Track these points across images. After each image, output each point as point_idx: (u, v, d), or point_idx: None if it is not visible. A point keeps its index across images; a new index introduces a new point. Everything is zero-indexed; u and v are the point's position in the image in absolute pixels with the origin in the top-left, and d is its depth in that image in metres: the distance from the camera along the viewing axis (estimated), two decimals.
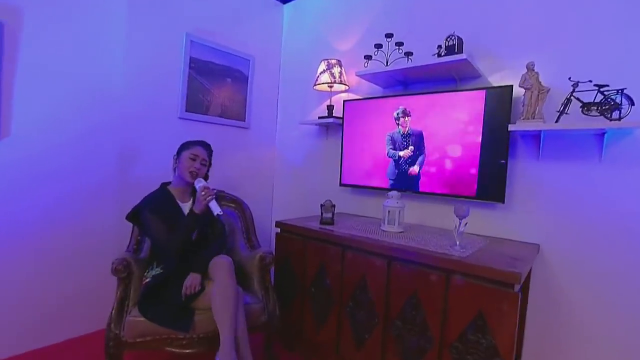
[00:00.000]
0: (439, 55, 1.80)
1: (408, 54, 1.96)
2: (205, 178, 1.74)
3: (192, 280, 1.51)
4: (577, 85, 1.37)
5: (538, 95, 1.45)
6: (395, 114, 2.02)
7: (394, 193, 1.79)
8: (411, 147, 1.97)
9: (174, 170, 1.71)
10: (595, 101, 1.34)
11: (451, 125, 1.83)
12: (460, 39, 1.74)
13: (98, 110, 1.97)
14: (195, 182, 1.61)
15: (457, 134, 1.82)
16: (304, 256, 1.86)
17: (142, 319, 1.47)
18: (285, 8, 2.90)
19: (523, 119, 1.52)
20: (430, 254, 1.41)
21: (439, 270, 1.38)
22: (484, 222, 1.80)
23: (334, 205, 1.94)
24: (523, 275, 1.21)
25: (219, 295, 1.44)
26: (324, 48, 2.56)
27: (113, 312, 1.51)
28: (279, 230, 2.01)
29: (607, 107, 1.30)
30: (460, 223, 1.48)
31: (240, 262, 1.83)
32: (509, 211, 1.75)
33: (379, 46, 2.04)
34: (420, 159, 1.95)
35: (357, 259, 1.63)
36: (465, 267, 1.31)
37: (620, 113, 1.30)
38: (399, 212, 1.76)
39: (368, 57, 2.07)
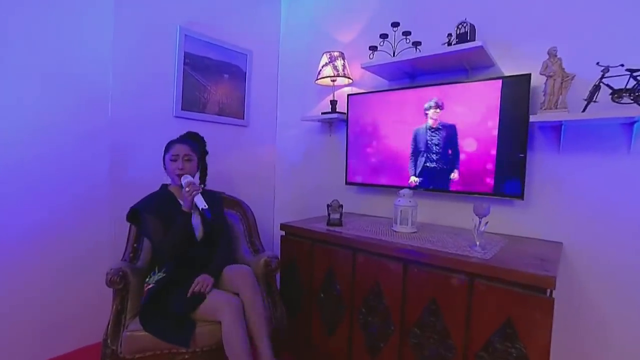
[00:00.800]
0: (450, 43, 1.70)
1: (416, 43, 1.85)
2: (203, 170, 1.75)
3: (204, 278, 1.45)
4: (608, 70, 1.27)
5: (562, 83, 1.35)
6: (426, 105, 1.84)
7: (405, 191, 1.68)
8: (439, 143, 1.82)
9: (166, 173, 1.67)
10: (627, 87, 1.23)
11: (466, 118, 1.73)
12: (472, 26, 1.64)
13: (87, 112, 1.85)
14: (182, 179, 1.56)
15: (472, 127, 1.71)
16: (312, 260, 1.75)
17: (142, 333, 1.36)
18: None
19: (545, 109, 1.41)
20: (449, 256, 1.31)
21: (459, 273, 1.28)
22: (502, 219, 1.70)
23: (341, 205, 1.84)
24: (556, 279, 1.11)
25: (252, 312, 1.40)
26: (324, 40, 2.44)
27: (109, 326, 1.40)
28: (283, 233, 1.91)
29: None
30: (480, 222, 1.39)
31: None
32: (528, 208, 1.65)
33: (384, 36, 1.93)
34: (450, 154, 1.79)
35: (369, 262, 1.53)
36: (489, 270, 1.21)
37: None
38: (412, 212, 1.66)
39: (373, 48, 1.96)
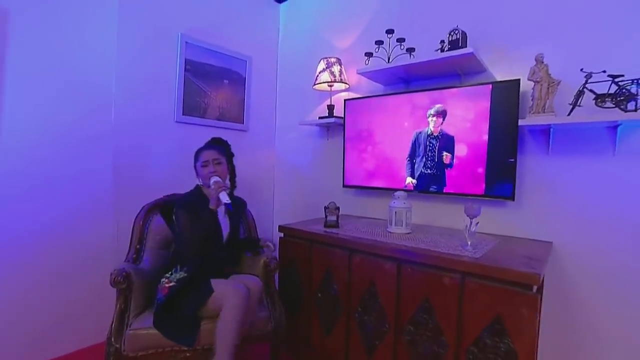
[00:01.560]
0: (442, 50, 1.76)
1: (410, 50, 1.91)
2: (232, 171, 1.81)
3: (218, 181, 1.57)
4: (591, 76, 1.32)
5: (548, 88, 1.40)
6: (428, 113, 1.89)
7: (400, 193, 1.73)
8: (435, 147, 1.87)
9: (199, 180, 1.72)
10: (610, 92, 1.29)
11: (459, 122, 1.78)
12: (464, 33, 1.69)
13: (91, 117, 1.91)
14: (210, 180, 1.60)
15: (464, 131, 1.76)
16: (309, 261, 1.80)
17: (145, 331, 1.41)
18: (281, 7, 2.84)
19: (533, 113, 1.47)
20: (441, 255, 1.36)
21: (451, 272, 1.33)
22: (494, 220, 1.75)
23: (338, 208, 1.88)
24: (542, 276, 1.16)
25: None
26: (322, 46, 2.50)
27: (113, 325, 1.44)
28: (282, 235, 1.95)
29: (622, 98, 1.25)
30: (471, 222, 1.43)
31: (244, 268, 1.77)
32: (519, 209, 1.70)
33: (379, 43, 1.99)
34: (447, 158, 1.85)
35: (364, 262, 1.58)
36: (479, 269, 1.25)
37: (636, 104, 1.25)
38: (406, 213, 1.71)
39: (369, 55, 2.02)
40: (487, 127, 1.68)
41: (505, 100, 1.62)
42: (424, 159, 1.91)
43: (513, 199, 1.64)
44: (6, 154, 1.65)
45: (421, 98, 1.90)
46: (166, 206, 1.79)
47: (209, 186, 1.62)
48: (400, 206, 1.71)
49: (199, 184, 1.72)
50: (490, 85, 1.67)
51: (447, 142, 1.82)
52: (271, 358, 1.70)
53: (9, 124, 1.65)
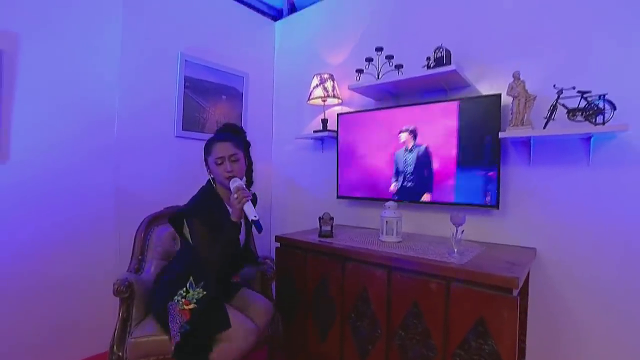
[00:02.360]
0: (429, 67, 1.86)
1: (398, 66, 2.01)
2: (249, 167, 1.59)
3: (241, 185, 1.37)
4: (562, 92, 1.42)
5: (525, 102, 1.50)
6: (403, 129, 2.02)
7: (391, 203, 1.81)
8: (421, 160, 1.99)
9: (211, 175, 1.53)
10: (580, 107, 1.38)
11: (435, 136, 1.90)
12: (448, 51, 1.80)
13: (95, 133, 1.99)
14: (230, 183, 1.40)
15: (440, 145, 1.89)
16: (305, 269, 1.86)
17: (145, 339, 1.46)
18: (276, 25, 2.97)
19: (512, 126, 1.56)
20: (428, 262, 1.43)
21: (438, 278, 1.40)
22: (480, 228, 1.83)
23: (332, 218, 1.96)
24: (521, 280, 1.23)
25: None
26: (315, 62, 2.61)
27: (115, 333, 1.50)
28: (278, 244, 2.02)
29: (591, 112, 1.35)
30: (457, 230, 1.51)
31: (242, 277, 1.83)
32: (504, 216, 1.78)
33: (369, 60, 2.10)
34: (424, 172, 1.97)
35: (357, 270, 1.65)
36: (463, 274, 1.33)
37: (604, 117, 1.35)
38: (397, 222, 1.79)
39: (360, 71, 2.12)
40: (456, 142, 1.82)
41: (487, 113, 1.71)
42: (403, 173, 2.03)
43: (498, 207, 1.72)
44: (15, 166, 1.73)
45: (408, 112, 2.00)
46: (175, 214, 1.52)
47: (226, 187, 1.43)
48: (390, 216, 1.79)
49: (212, 180, 1.51)
50: (457, 102, 1.81)
51: (424, 156, 1.95)
52: None
53: (19, 138, 1.74)
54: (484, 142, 1.72)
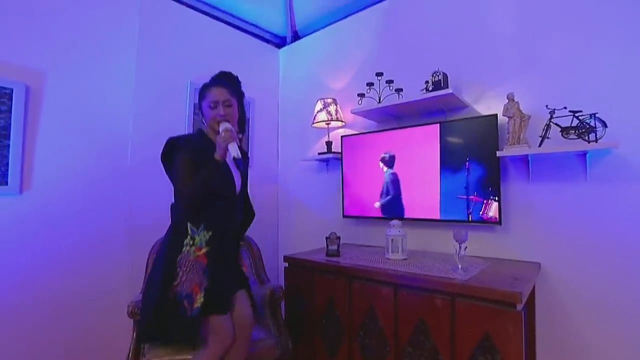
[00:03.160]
0: (427, 90, 1.94)
1: (398, 90, 2.10)
2: (241, 116, 1.56)
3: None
4: (554, 112, 1.49)
5: (521, 122, 1.57)
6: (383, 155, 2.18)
7: (395, 222, 1.86)
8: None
9: (202, 122, 1.53)
10: (572, 125, 1.45)
11: (421, 156, 2.04)
12: (445, 75, 1.89)
13: (110, 158, 2.09)
14: (220, 126, 1.39)
15: (426, 167, 2.02)
16: (313, 289, 1.90)
17: None
18: (280, 52, 3.11)
19: (509, 145, 1.62)
20: (433, 279, 1.47)
21: (443, 294, 1.43)
22: (484, 244, 1.86)
23: (339, 237, 2.00)
24: (524, 294, 1.26)
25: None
26: (319, 87, 2.73)
27: (130, 355, 1.54)
28: (287, 264, 2.07)
29: (583, 130, 1.41)
30: (460, 247, 1.55)
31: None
32: (507, 232, 1.81)
33: (370, 84, 2.20)
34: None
35: (364, 288, 1.68)
36: (468, 290, 1.36)
37: (596, 135, 1.41)
38: (402, 240, 1.83)
39: (361, 95, 2.22)
40: (438, 162, 1.96)
41: (485, 132, 1.78)
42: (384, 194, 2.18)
43: (500, 223, 1.76)
44: (36, 193, 1.82)
45: (408, 133, 2.07)
46: (165, 147, 1.49)
47: (216, 132, 1.40)
48: (395, 234, 1.84)
49: (203, 128, 1.52)
50: (438, 125, 1.95)
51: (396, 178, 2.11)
52: None
53: (40, 167, 1.84)
54: (484, 160, 1.78)
